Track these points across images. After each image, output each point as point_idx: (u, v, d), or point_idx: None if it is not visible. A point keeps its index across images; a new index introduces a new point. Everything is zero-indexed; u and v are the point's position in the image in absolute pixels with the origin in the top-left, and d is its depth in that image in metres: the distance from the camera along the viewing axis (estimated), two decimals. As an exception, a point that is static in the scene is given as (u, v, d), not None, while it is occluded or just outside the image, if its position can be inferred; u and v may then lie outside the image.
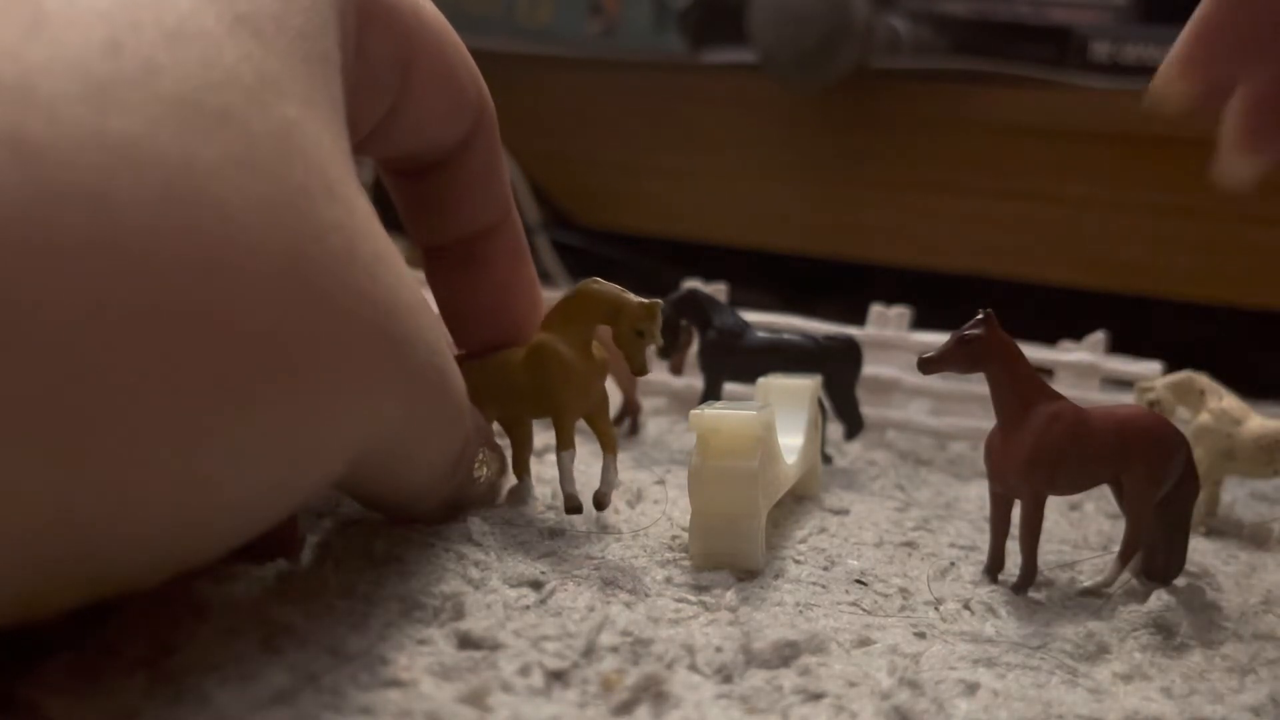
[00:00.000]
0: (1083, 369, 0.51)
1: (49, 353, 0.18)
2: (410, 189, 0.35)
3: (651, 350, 0.34)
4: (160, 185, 0.19)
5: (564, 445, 0.34)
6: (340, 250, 0.23)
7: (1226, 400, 0.42)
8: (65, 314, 0.18)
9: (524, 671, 0.25)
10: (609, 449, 0.35)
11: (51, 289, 0.18)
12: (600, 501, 0.34)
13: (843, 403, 0.47)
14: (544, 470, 0.38)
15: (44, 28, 0.19)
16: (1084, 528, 0.41)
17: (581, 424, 0.35)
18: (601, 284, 0.34)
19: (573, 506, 0.34)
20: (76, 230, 0.18)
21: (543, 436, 0.39)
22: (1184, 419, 0.42)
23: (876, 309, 0.54)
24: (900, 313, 0.54)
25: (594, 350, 0.34)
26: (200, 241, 0.20)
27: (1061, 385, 0.50)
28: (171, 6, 0.21)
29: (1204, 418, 0.42)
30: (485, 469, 0.33)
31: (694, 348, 0.49)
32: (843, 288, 0.77)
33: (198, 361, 0.20)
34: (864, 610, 0.31)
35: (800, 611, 0.30)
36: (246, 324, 0.21)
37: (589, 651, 0.26)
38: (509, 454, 0.36)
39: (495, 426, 0.36)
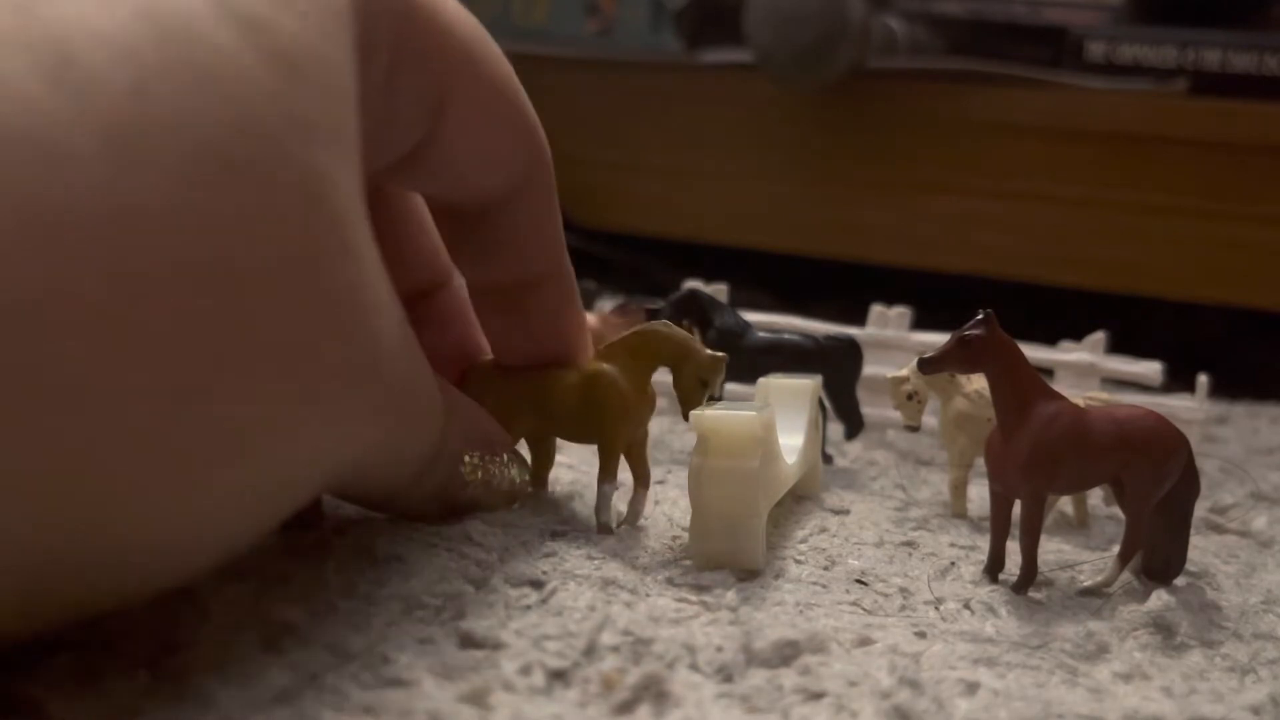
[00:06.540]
0: (1083, 369, 0.51)
1: (61, 426, 0.18)
2: (447, 224, 0.33)
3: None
4: (174, 255, 0.19)
5: (608, 478, 0.34)
6: (347, 311, 0.23)
7: (976, 381, 0.41)
8: (77, 384, 0.18)
9: (525, 671, 0.25)
10: (642, 483, 0.35)
11: (66, 361, 0.18)
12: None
13: (843, 403, 0.47)
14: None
15: (69, 75, 0.18)
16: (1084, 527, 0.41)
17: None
18: (671, 328, 0.34)
19: (604, 533, 0.34)
20: (91, 304, 0.18)
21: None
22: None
23: (876, 309, 0.54)
24: (900, 313, 0.54)
25: (648, 389, 0.34)
26: (208, 317, 0.20)
27: (1061, 385, 0.50)
28: (207, 43, 0.20)
29: (960, 404, 0.41)
30: (479, 473, 0.32)
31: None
32: (843, 288, 0.77)
33: (192, 415, 0.20)
34: (864, 610, 0.31)
35: (800, 611, 0.30)
36: (239, 385, 0.21)
37: (590, 651, 0.26)
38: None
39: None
